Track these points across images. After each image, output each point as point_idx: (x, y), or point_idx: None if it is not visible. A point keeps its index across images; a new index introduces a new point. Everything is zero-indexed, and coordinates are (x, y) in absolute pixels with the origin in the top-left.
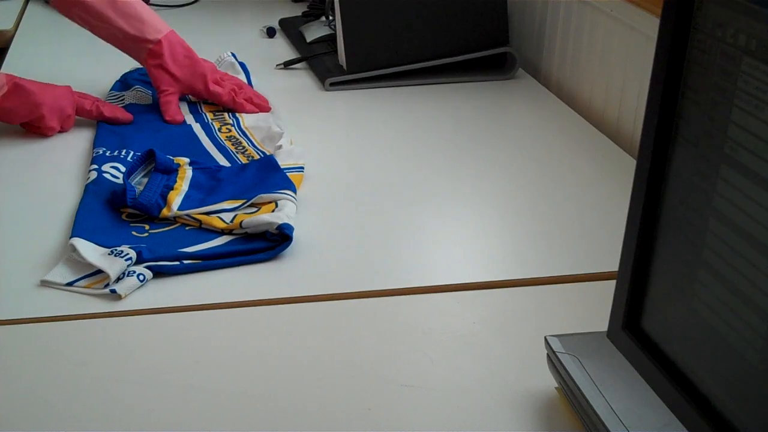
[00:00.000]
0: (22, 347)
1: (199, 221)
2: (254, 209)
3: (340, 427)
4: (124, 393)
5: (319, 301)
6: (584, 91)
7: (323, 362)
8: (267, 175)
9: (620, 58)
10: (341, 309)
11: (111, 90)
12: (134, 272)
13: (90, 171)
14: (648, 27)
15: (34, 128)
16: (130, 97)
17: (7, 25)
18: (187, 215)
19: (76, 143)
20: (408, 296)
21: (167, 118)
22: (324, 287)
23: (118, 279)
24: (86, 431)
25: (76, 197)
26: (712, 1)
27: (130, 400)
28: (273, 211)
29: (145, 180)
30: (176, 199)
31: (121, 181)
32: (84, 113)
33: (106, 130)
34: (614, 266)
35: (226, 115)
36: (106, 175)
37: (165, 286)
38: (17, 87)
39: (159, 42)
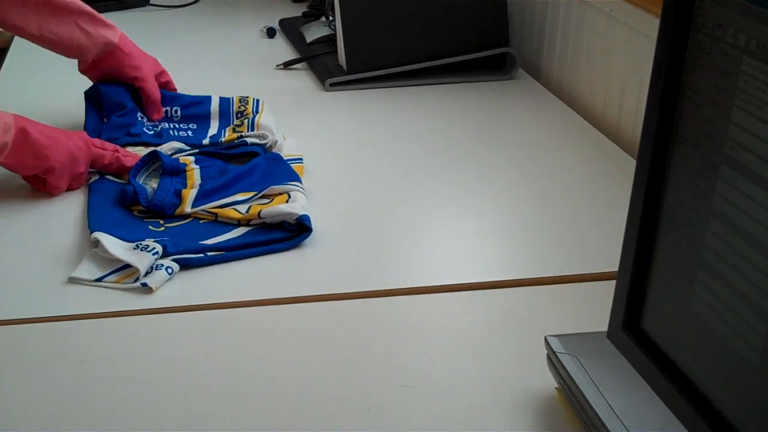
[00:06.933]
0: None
1: (215, 214)
2: (267, 200)
3: (340, 427)
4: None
5: (318, 301)
6: (584, 91)
7: (323, 362)
8: (274, 168)
9: (620, 58)
10: (341, 309)
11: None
12: (162, 265)
13: (91, 172)
14: (648, 27)
15: (38, 182)
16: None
17: None
18: (203, 210)
19: None
20: (408, 296)
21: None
22: (323, 287)
23: (147, 273)
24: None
25: (82, 195)
26: (712, 1)
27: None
28: (287, 201)
29: (150, 181)
30: (190, 195)
31: (121, 181)
32: (101, 167)
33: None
34: (614, 266)
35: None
36: (108, 175)
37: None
38: (25, 138)
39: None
